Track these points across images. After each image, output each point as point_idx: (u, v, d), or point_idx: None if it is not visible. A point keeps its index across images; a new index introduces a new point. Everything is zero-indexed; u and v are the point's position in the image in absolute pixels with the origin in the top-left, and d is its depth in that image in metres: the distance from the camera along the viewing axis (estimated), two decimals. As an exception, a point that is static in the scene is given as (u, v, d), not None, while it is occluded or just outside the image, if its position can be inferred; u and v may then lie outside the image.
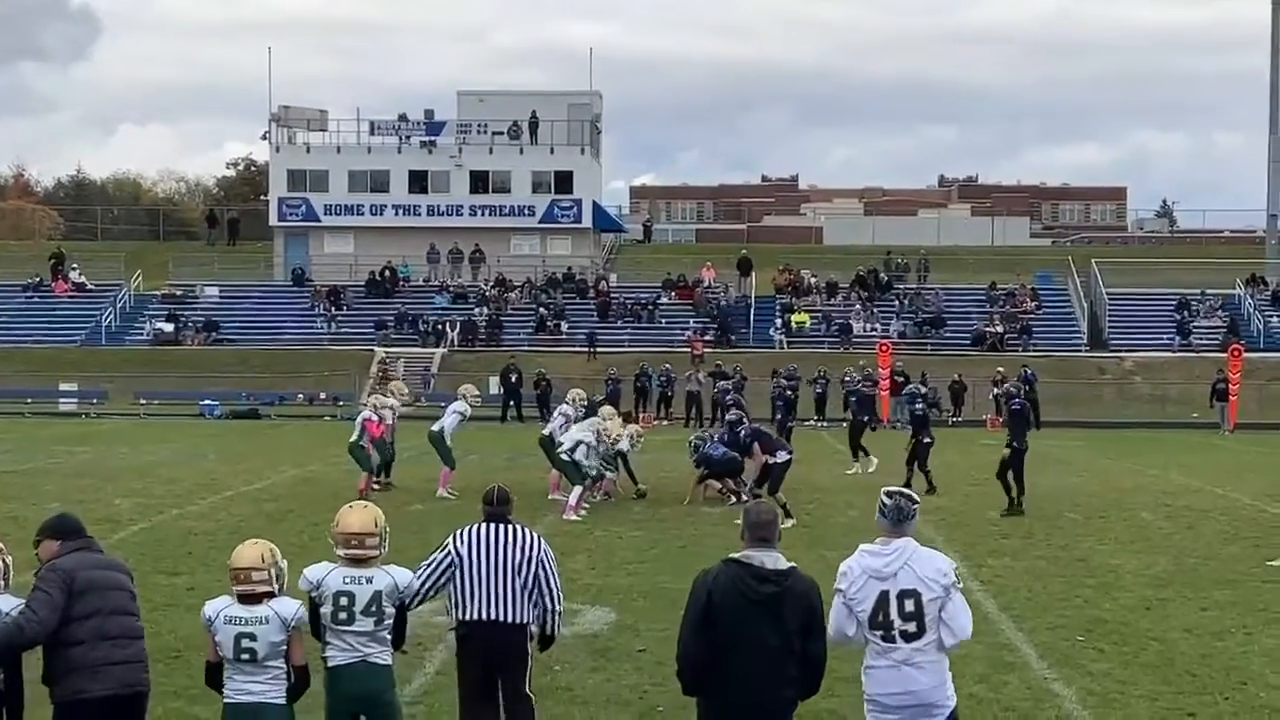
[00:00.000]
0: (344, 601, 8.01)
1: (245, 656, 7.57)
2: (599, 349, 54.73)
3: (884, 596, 7.31)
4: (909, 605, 7.30)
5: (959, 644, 7.42)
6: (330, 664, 8.08)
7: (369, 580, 8.04)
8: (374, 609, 8.01)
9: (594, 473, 22.43)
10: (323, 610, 8.06)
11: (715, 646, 7.18)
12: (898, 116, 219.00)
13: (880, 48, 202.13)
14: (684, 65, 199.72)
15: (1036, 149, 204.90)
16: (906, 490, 7.66)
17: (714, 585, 7.23)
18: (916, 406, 25.79)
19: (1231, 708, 11.01)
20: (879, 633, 7.32)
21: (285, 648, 7.65)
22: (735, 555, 7.30)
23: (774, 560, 7.23)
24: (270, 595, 7.67)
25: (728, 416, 24.66)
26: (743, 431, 22.96)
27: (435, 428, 24.44)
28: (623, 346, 55.53)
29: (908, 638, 7.29)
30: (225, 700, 7.70)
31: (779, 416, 35.36)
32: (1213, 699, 11.26)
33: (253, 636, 7.57)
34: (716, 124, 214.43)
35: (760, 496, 20.35)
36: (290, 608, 7.69)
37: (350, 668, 8.01)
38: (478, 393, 26.69)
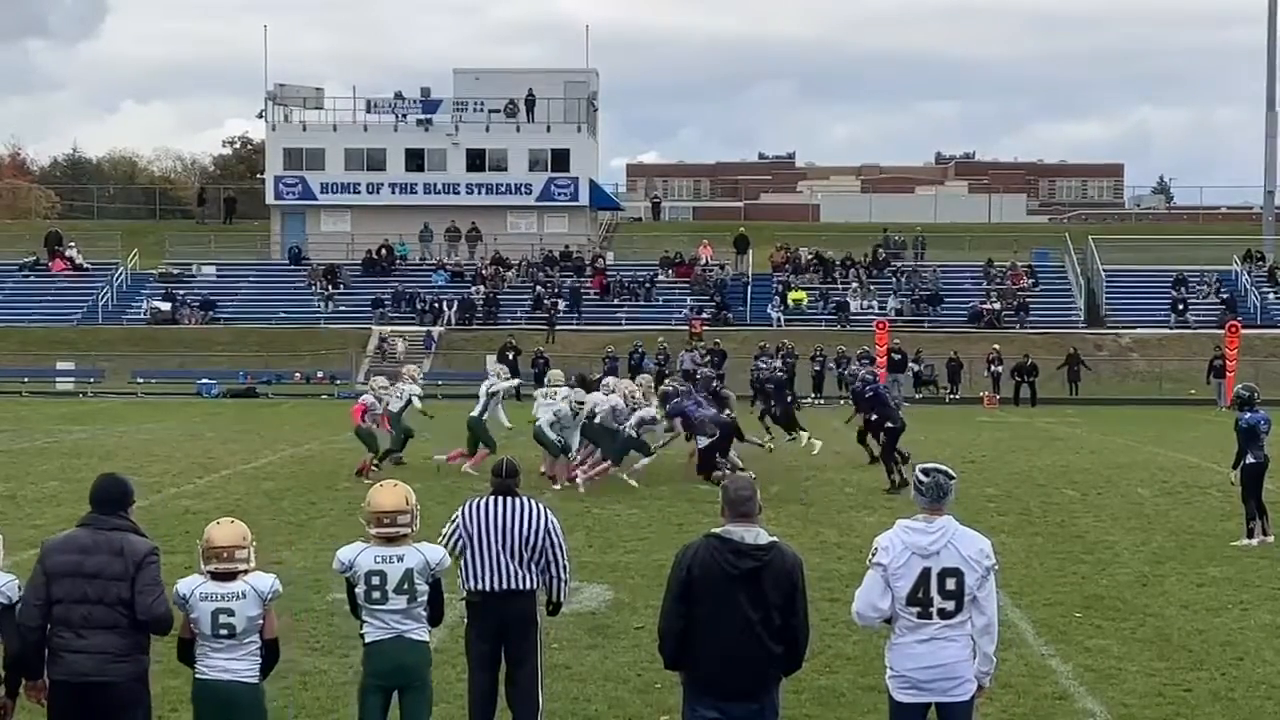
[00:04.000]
0: (376, 581, 8.04)
1: (223, 632, 7.56)
2: (560, 328, 54.73)
3: (925, 574, 7.30)
4: (950, 584, 7.30)
5: (989, 624, 7.40)
6: (367, 640, 8.15)
7: (400, 559, 8.05)
8: (406, 586, 8.03)
9: (561, 444, 22.52)
10: (356, 590, 8.12)
11: (695, 621, 7.21)
12: (898, 93, 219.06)
13: (881, 22, 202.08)
14: (684, 41, 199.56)
15: (1037, 124, 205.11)
16: (944, 467, 7.60)
17: (693, 560, 7.24)
18: (866, 390, 25.22)
19: (1228, 683, 11.03)
20: (915, 609, 7.31)
21: (261, 622, 7.66)
22: (715, 530, 7.31)
23: (754, 535, 7.23)
24: (245, 572, 7.68)
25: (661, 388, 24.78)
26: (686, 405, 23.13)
27: (475, 413, 23.80)
28: (620, 325, 55.51)
29: (945, 615, 7.30)
30: (197, 676, 7.67)
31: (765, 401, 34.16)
32: (1209, 674, 11.28)
33: (230, 612, 7.55)
34: (717, 101, 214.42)
35: (744, 469, 20.47)
36: (265, 582, 7.67)
37: (386, 643, 8.07)
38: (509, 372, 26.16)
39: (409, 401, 24.57)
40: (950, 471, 7.55)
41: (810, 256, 60.79)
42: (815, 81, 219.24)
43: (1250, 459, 17.44)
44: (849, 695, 10.57)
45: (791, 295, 57.74)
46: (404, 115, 65.80)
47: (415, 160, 65.32)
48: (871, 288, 58.79)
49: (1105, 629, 12.79)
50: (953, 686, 7.34)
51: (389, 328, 55.59)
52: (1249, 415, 17.51)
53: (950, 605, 7.31)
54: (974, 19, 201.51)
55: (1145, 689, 10.85)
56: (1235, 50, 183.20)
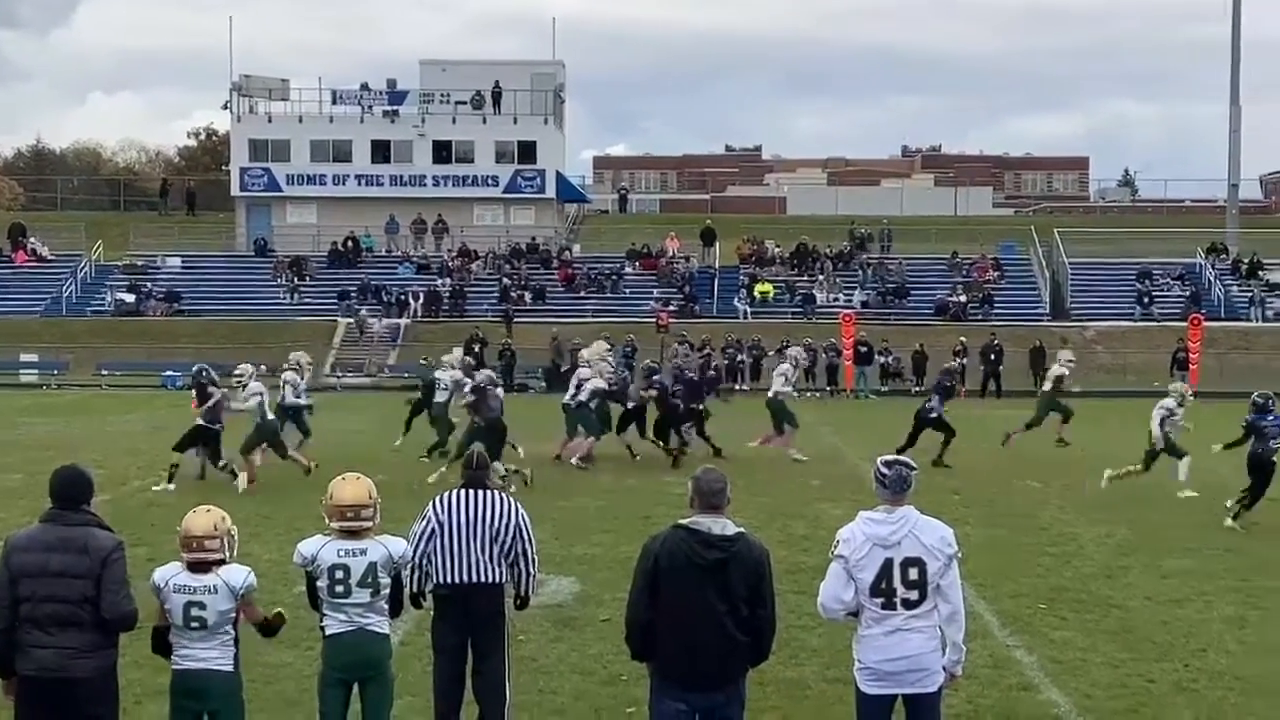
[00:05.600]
0: (340, 575, 8.04)
1: (195, 625, 7.58)
2: (520, 321, 54.58)
3: (888, 564, 7.33)
4: (913, 573, 7.33)
5: (955, 612, 7.42)
6: (328, 632, 8.14)
7: (363, 552, 8.06)
8: (370, 580, 8.04)
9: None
10: (319, 584, 8.10)
11: (663, 611, 7.22)
12: (865, 86, 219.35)
13: (850, 16, 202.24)
14: (654, 34, 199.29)
15: (1005, 118, 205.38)
16: (904, 458, 7.64)
17: (661, 551, 7.27)
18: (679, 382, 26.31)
19: (1190, 674, 11.11)
20: (879, 600, 7.33)
21: (235, 615, 7.65)
22: (683, 521, 7.33)
23: (721, 526, 7.25)
24: (221, 563, 7.65)
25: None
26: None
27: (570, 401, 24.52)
28: (586, 317, 55.43)
29: (909, 605, 7.32)
30: (174, 667, 7.70)
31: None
32: (1173, 665, 11.35)
33: (201, 605, 7.57)
34: (686, 93, 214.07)
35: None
36: (239, 576, 7.67)
37: (348, 635, 8.07)
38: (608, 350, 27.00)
39: (454, 392, 24.01)
40: (911, 463, 7.60)
41: (778, 248, 60.85)
42: (784, 74, 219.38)
43: (1260, 449, 18.20)
44: (815, 687, 10.60)
45: (758, 288, 57.83)
46: (370, 107, 65.59)
47: (381, 152, 65.13)
48: (838, 280, 58.91)
49: (1070, 620, 12.86)
50: (920, 678, 7.36)
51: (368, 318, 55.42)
52: (1255, 416, 18.37)
53: (914, 595, 7.33)
54: (942, 13, 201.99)
55: (1109, 680, 10.91)
56: (1207, 45, 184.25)
